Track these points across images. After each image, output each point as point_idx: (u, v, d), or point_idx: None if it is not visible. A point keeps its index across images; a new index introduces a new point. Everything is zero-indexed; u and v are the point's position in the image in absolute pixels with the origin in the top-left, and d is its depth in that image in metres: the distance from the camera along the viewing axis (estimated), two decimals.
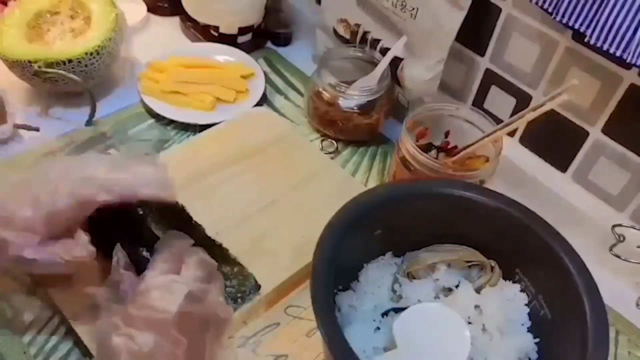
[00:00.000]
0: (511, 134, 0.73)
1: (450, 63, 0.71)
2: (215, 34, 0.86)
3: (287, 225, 0.63)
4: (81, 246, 0.49)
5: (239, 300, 0.55)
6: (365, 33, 0.76)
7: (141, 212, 0.57)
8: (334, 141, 0.77)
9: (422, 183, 0.60)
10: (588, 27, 0.55)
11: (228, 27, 0.86)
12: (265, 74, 0.83)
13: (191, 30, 0.89)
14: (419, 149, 0.62)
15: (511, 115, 0.72)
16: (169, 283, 0.49)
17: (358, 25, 0.77)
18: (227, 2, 0.84)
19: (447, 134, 0.70)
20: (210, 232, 0.59)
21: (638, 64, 0.52)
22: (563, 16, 0.56)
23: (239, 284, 0.56)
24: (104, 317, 0.48)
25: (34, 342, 0.53)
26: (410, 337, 0.48)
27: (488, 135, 0.63)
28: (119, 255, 0.50)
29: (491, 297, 0.53)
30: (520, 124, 0.60)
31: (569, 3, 0.55)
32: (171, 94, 0.77)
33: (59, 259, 0.48)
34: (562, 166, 0.70)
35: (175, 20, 0.92)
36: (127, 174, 0.50)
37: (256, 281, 0.56)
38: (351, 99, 0.73)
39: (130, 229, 0.54)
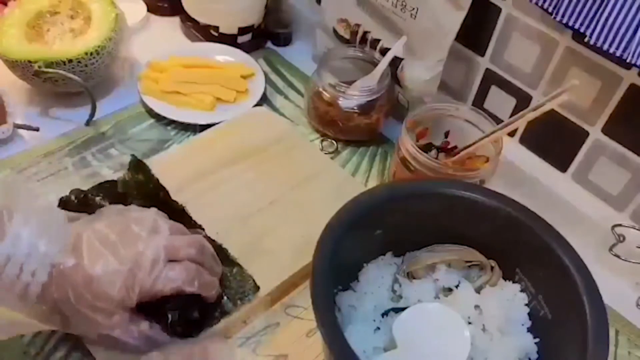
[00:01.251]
0: (511, 134, 0.73)
1: (450, 63, 0.71)
2: (215, 34, 0.86)
3: (287, 225, 0.63)
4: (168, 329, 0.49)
5: (238, 301, 0.55)
6: (365, 33, 0.76)
7: None
8: (334, 141, 0.77)
9: (422, 183, 0.60)
10: (588, 27, 0.55)
11: (228, 27, 0.86)
12: (265, 74, 0.83)
13: (191, 30, 0.89)
14: (419, 149, 0.62)
15: (511, 115, 0.72)
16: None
17: (358, 25, 0.77)
18: (227, 2, 0.84)
19: (447, 134, 0.70)
20: (210, 232, 0.59)
21: (638, 64, 0.52)
22: (563, 16, 0.56)
23: (237, 286, 0.56)
24: None
25: (34, 342, 0.53)
26: (410, 337, 0.48)
27: (488, 135, 0.63)
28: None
29: (491, 297, 0.53)
30: (520, 124, 0.60)
31: (569, 3, 0.55)
32: (171, 94, 0.77)
33: (141, 341, 0.48)
34: (562, 166, 0.70)
35: (175, 20, 0.92)
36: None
37: (255, 283, 0.56)
38: (351, 99, 0.73)
39: None
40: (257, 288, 0.56)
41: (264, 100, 0.81)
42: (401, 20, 0.70)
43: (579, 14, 0.55)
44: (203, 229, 0.59)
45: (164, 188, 0.61)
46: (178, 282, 0.47)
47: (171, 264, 0.48)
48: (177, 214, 0.59)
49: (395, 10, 0.70)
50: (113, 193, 0.61)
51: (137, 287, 0.46)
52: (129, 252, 0.46)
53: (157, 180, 0.62)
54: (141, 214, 0.50)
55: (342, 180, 0.69)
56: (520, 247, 0.52)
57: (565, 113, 0.66)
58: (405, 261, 0.56)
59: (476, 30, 0.70)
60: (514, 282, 0.54)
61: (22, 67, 0.70)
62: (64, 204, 0.59)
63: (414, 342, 0.48)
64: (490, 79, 0.73)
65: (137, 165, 0.63)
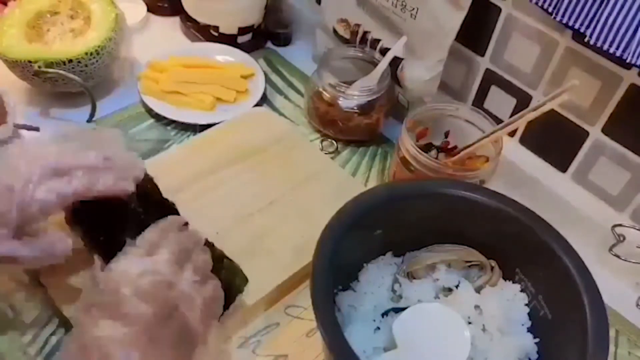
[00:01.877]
0: (511, 134, 0.73)
1: (450, 63, 0.71)
2: (215, 34, 0.86)
3: (287, 225, 0.63)
4: (59, 241, 0.48)
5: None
6: (365, 33, 0.76)
7: (131, 205, 0.56)
8: (334, 141, 0.77)
9: (422, 183, 0.60)
10: (588, 27, 0.55)
11: (228, 27, 0.86)
12: (265, 74, 0.83)
13: (191, 30, 0.89)
14: (419, 149, 0.62)
15: (511, 115, 0.72)
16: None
17: (358, 25, 0.77)
18: (227, 2, 0.84)
19: (447, 134, 0.70)
20: (210, 232, 0.59)
21: (638, 64, 0.52)
22: (563, 16, 0.56)
23: (227, 280, 0.55)
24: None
25: (34, 342, 0.53)
26: (410, 337, 0.48)
27: (488, 135, 0.63)
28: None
29: (491, 297, 0.53)
30: (520, 124, 0.60)
31: (569, 3, 0.55)
32: (171, 94, 0.77)
33: (38, 253, 0.47)
34: (562, 166, 0.70)
35: (175, 20, 0.92)
36: (106, 168, 0.49)
37: (244, 275, 0.55)
38: (351, 99, 0.73)
39: (117, 218, 0.52)
40: (246, 280, 0.55)
41: (264, 100, 0.81)
42: (401, 20, 0.70)
43: (579, 14, 0.55)
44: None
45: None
46: (65, 189, 0.46)
47: (60, 177, 0.47)
48: (166, 209, 0.57)
49: (395, 10, 0.70)
50: None
51: (13, 203, 0.45)
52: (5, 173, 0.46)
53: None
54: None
55: (342, 180, 0.69)
56: (520, 247, 0.52)
57: (565, 113, 0.66)
58: (405, 261, 0.56)
59: (476, 30, 0.70)
60: (514, 282, 0.54)
61: (22, 67, 0.70)
62: None
63: (414, 342, 0.48)
64: (490, 79, 0.73)
65: None
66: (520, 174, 0.71)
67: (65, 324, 0.54)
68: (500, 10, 0.67)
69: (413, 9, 0.68)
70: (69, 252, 0.49)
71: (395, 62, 0.73)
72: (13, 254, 0.46)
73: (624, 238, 0.63)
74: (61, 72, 0.70)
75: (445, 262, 0.55)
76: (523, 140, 0.73)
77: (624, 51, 0.53)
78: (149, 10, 0.92)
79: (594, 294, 0.46)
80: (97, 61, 0.73)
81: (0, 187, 0.45)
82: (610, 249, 0.63)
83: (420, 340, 0.48)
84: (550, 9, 0.58)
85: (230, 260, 0.55)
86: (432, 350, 0.48)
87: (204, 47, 0.86)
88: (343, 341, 0.42)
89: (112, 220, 0.52)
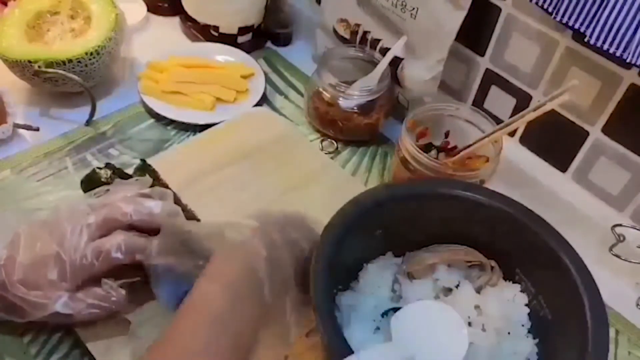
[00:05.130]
0: (511, 134, 0.73)
1: (450, 63, 0.71)
2: (215, 34, 0.86)
3: None
4: (114, 291, 0.50)
5: None
6: (365, 33, 0.76)
7: None
8: (334, 141, 0.77)
9: (422, 183, 0.60)
10: (588, 27, 0.55)
11: (228, 27, 0.86)
12: (265, 74, 0.83)
13: (191, 30, 0.89)
14: (419, 149, 0.62)
15: (511, 115, 0.72)
16: None
17: (358, 25, 0.77)
18: (227, 2, 0.84)
19: (447, 134, 0.70)
20: None
21: (638, 63, 0.52)
22: (563, 16, 0.56)
23: None
24: None
25: (34, 342, 0.53)
26: (407, 332, 0.47)
27: (488, 135, 0.63)
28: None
29: (491, 297, 0.53)
30: (521, 124, 0.60)
31: (569, 3, 0.55)
32: (171, 94, 0.77)
33: (94, 309, 0.50)
34: (562, 166, 0.70)
35: (175, 20, 0.92)
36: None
37: None
38: (351, 99, 0.73)
39: None
40: None
41: (264, 100, 0.81)
42: (401, 20, 0.70)
43: (579, 14, 0.55)
44: None
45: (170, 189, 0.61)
46: (108, 249, 0.49)
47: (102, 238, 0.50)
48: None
49: (395, 10, 0.70)
50: None
51: (67, 265, 0.48)
52: (55, 237, 0.49)
53: (166, 184, 0.62)
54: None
55: (342, 180, 0.69)
56: (520, 247, 0.52)
57: (565, 113, 0.66)
58: (405, 261, 0.56)
59: (476, 30, 0.70)
60: (514, 282, 0.54)
61: (22, 67, 0.70)
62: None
63: (411, 338, 0.47)
64: (490, 79, 0.73)
65: (144, 168, 0.63)
66: (520, 174, 0.71)
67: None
68: (500, 10, 0.67)
69: (413, 9, 0.68)
70: (124, 301, 0.51)
71: (395, 62, 0.73)
72: (71, 311, 0.49)
73: (624, 238, 0.63)
74: (61, 72, 0.70)
75: (445, 262, 0.55)
76: (523, 140, 0.73)
77: (624, 51, 0.53)
78: (149, 10, 0.92)
79: (594, 294, 0.46)
80: (97, 61, 0.73)
81: (51, 255, 0.49)
82: (610, 249, 0.63)
83: (417, 336, 0.48)
84: (550, 9, 0.58)
85: None
86: (429, 346, 0.47)
87: (204, 47, 0.86)
88: (343, 341, 0.42)
89: None
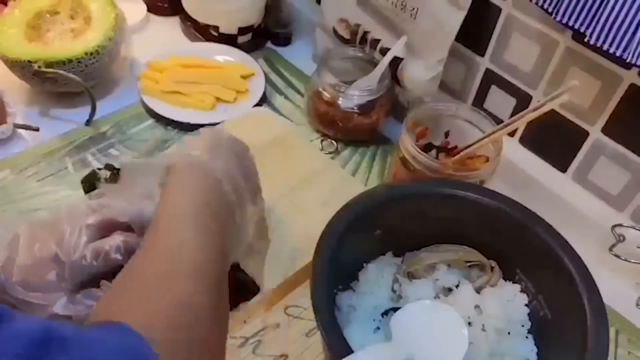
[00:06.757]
0: (511, 134, 0.73)
1: (450, 63, 0.71)
2: (215, 34, 0.86)
3: (287, 225, 0.63)
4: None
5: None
6: (365, 33, 0.76)
7: None
8: (334, 141, 0.77)
9: (422, 183, 0.60)
10: (588, 27, 0.55)
11: (228, 27, 0.86)
12: (265, 74, 0.83)
13: (191, 30, 0.89)
14: (419, 149, 0.62)
15: (511, 115, 0.72)
16: None
17: (358, 25, 0.77)
18: (227, 2, 0.84)
19: (447, 134, 0.70)
20: None
21: (638, 63, 0.52)
22: (563, 16, 0.56)
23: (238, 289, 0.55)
24: None
25: None
26: (406, 331, 0.47)
27: (488, 135, 0.63)
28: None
29: (491, 297, 0.53)
30: (520, 124, 0.60)
31: (569, 3, 0.55)
32: (171, 94, 0.77)
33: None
34: (562, 166, 0.70)
35: (175, 20, 0.92)
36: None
37: (255, 284, 0.56)
38: (351, 99, 0.73)
39: None
40: (258, 289, 0.56)
41: (264, 100, 0.81)
42: (401, 20, 0.70)
43: (579, 14, 0.55)
44: None
45: None
46: (107, 251, 0.48)
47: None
48: None
49: (395, 10, 0.70)
50: None
51: (66, 266, 0.48)
52: (54, 238, 0.49)
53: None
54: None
55: (342, 180, 0.69)
56: (520, 247, 0.52)
57: (565, 113, 0.66)
58: (405, 261, 0.56)
59: (476, 30, 0.70)
60: (514, 282, 0.54)
61: (22, 67, 0.70)
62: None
63: (410, 337, 0.47)
64: (490, 79, 0.72)
65: None
66: (520, 174, 0.71)
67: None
68: (500, 10, 0.67)
69: (413, 9, 0.68)
70: None
71: (395, 62, 0.73)
72: (70, 313, 0.48)
73: (624, 238, 0.63)
74: (61, 72, 0.70)
75: (445, 262, 0.55)
76: (523, 140, 0.73)
77: (624, 51, 0.53)
78: (149, 10, 0.92)
79: (594, 294, 0.46)
80: (97, 61, 0.73)
81: (49, 255, 0.48)
82: (610, 249, 0.63)
83: (416, 336, 0.48)
84: (550, 9, 0.58)
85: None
86: (429, 346, 0.47)
87: (204, 47, 0.86)
88: (343, 341, 0.42)
89: None
